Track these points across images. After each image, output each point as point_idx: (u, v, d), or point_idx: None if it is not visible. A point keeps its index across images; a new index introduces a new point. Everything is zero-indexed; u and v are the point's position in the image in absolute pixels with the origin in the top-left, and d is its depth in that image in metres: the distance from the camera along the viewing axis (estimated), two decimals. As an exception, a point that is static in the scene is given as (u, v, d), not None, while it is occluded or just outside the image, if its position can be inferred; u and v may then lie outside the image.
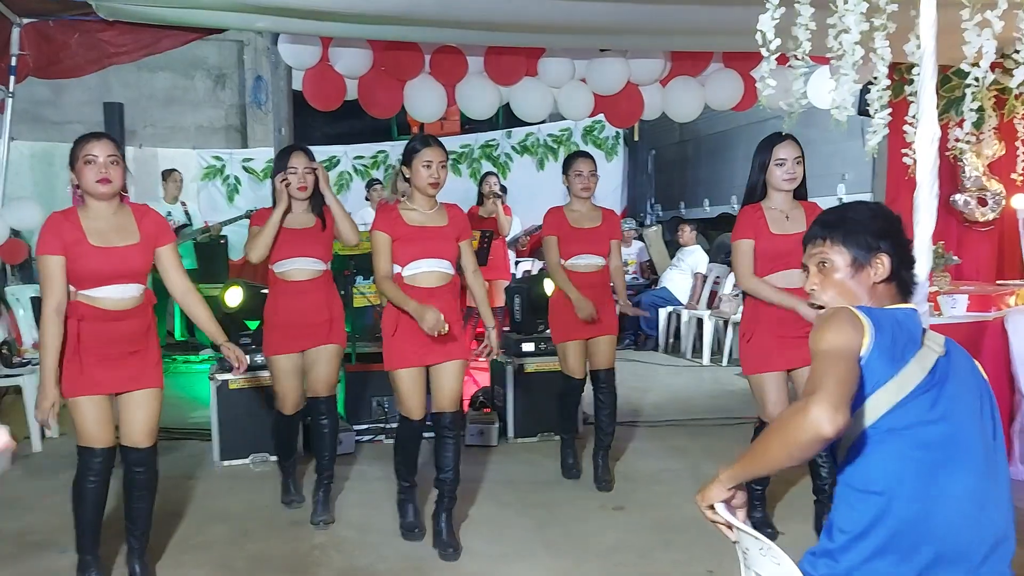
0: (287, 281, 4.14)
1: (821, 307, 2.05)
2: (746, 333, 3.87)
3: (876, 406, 1.85)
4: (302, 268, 4.14)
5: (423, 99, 6.00)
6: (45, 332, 3.20)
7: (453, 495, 3.88)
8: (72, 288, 3.24)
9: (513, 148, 11.48)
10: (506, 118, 9.95)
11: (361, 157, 11.22)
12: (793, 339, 3.57)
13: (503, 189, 8.43)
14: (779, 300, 3.67)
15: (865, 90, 3.04)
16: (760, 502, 3.98)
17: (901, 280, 2.03)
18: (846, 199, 7.78)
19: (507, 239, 8.23)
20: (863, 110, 2.96)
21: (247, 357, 3.63)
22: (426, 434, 4.03)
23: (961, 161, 5.80)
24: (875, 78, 2.92)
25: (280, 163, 4.19)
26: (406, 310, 3.70)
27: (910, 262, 2.06)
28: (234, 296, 5.25)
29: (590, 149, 11.48)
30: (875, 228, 2.02)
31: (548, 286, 5.72)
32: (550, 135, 11.46)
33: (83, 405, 3.26)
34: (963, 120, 3.49)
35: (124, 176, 3.32)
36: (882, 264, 2.00)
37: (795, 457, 1.78)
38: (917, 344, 1.90)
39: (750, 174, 3.87)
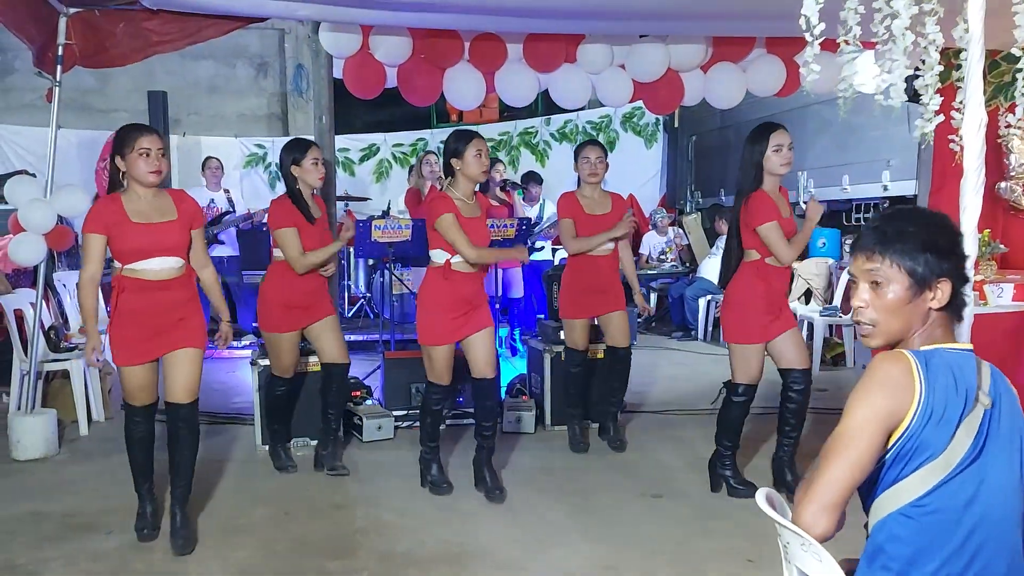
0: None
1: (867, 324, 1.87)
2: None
3: (913, 487, 1.73)
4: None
5: (462, 86, 6.00)
6: (82, 295, 3.67)
7: (492, 446, 4.38)
8: (118, 264, 3.65)
9: (552, 135, 11.46)
10: (545, 105, 9.95)
11: (400, 145, 11.28)
12: (775, 312, 4.13)
13: (513, 183, 8.37)
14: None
15: (912, 76, 2.98)
16: (730, 462, 4.34)
17: (956, 304, 1.86)
18: (891, 186, 7.66)
19: (537, 227, 8.22)
20: (913, 96, 2.91)
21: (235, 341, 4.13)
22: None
23: (1008, 148, 5.69)
24: (923, 62, 2.87)
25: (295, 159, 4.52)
26: (506, 256, 5.00)
27: (966, 282, 1.88)
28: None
29: (629, 136, 11.45)
30: (940, 248, 1.81)
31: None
32: (589, 122, 11.42)
33: (129, 372, 3.68)
34: (1014, 106, 3.42)
35: (168, 165, 3.78)
36: (943, 291, 1.82)
37: None
38: (970, 401, 1.73)
39: (745, 162, 4.13)
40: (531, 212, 8.25)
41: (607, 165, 5.03)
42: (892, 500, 1.77)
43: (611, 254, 5.02)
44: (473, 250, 4.11)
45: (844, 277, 7.64)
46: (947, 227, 1.88)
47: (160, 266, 3.64)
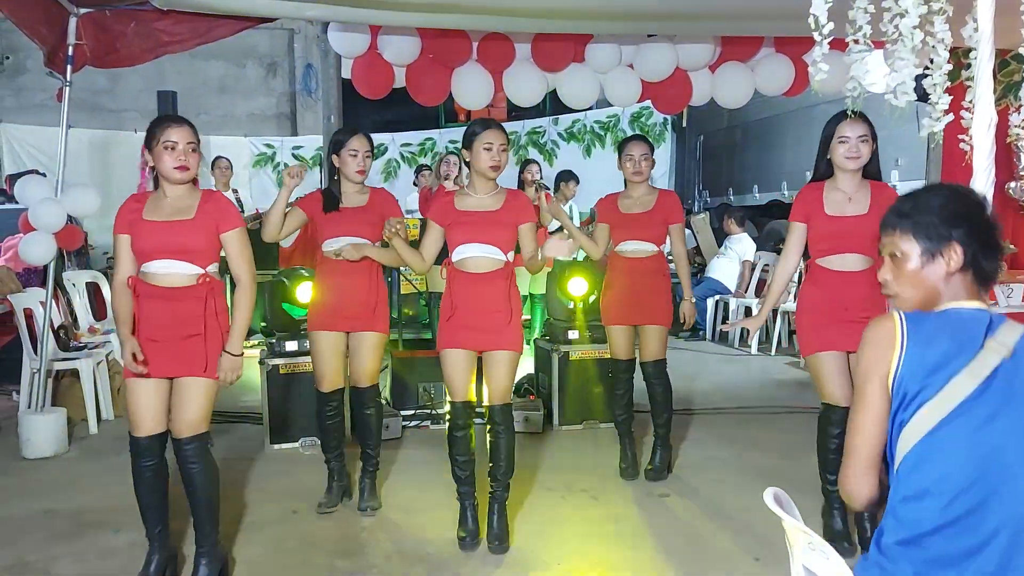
0: (334, 260, 4.06)
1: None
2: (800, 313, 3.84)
3: (918, 427, 1.81)
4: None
5: (470, 86, 6.01)
6: (115, 301, 3.34)
7: (505, 486, 3.80)
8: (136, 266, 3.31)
9: (560, 135, 11.47)
10: (553, 105, 9.95)
11: (408, 144, 11.31)
12: (850, 322, 3.48)
13: (543, 184, 8.34)
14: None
15: (920, 75, 2.98)
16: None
17: (980, 270, 1.92)
18: (900, 186, 7.64)
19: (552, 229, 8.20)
20: (922, 95, 2.90)
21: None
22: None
23: (1018, 148, 5.67)
24: (931, 61, 2.86)
25: (339, 143, 4.12)
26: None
27: (991, 250, 1.93)
28: (304, 293, 5.13)
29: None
30: (948, 215, 1.91)
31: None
32: (597, 122, 11.43)
33: (133, 388, 3.27)
34: (1021, 106, 3.41)
35: (199, 162, 3.32)
36: (956, 254, 1.90)
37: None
38: (975, 348, 1.81)
39: (817, 151, 3.76)
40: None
41: (653, 162, 4.61)
42: (904, 443, 1.85)
43: (652, 256, 4.54)
44: (419, 260, 3.82)
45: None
46: (960, 195, 1.97)
47: (168, 270, 3.22)
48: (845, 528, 3.70)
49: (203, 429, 3.30)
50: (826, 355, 3.64)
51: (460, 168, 5.46)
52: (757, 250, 9.21)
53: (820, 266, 3.70)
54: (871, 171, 3.68)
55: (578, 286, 5.79)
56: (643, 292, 4.48)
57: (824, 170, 3.70)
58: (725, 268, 9.22)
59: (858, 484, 1.90)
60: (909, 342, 1.84)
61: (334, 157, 4.09)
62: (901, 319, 1.88)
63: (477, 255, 3.71)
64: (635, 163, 4.49)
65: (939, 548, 1.77)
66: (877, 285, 2.09)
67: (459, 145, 4.05)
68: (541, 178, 8.33)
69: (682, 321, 4.68)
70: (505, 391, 3.76)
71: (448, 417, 3.94)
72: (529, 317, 7.75)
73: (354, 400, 4.28)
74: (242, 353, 3.33)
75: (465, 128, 3.89)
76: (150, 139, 3.24)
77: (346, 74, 5.98)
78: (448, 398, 3.93)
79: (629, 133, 11.35)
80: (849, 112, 3.25)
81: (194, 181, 3.35)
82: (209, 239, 3.27)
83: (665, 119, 11.42)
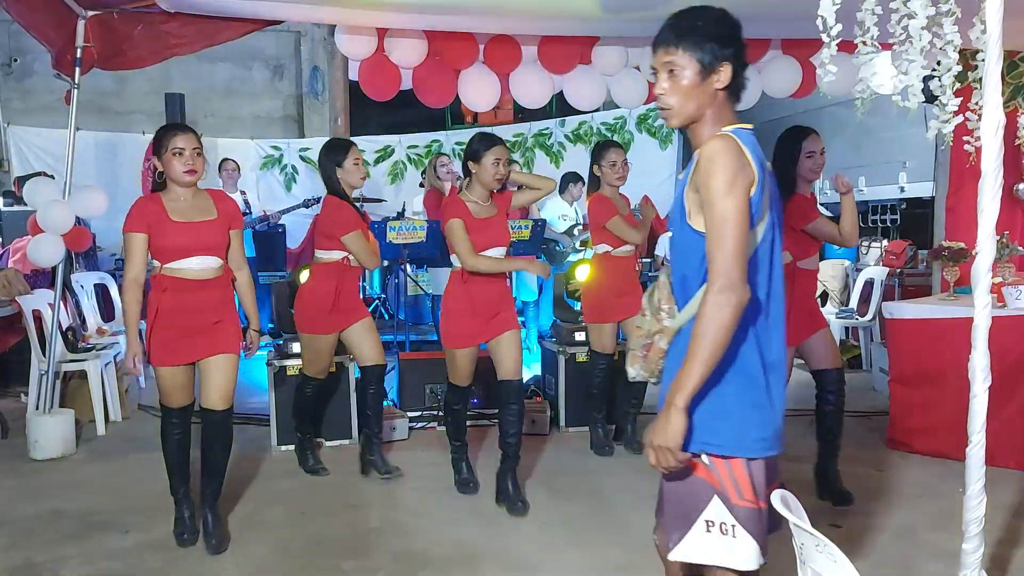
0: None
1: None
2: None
3: (756, 239, 2.06)
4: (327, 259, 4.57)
5: (477, 88, 6.01)
6: (125, 298, 3.65)
7: (516, 455, 4.23)
8: (157, 263, 3.64)
9: (567, 137, 11.45)
10: (560, 107, 9.93)
11: (415, 146, 11.29)
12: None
13: None
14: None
15: (928, 76, 2.97)
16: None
17: (736, 87, 2.15)
18: (907, 187, 7.63)
19: (563, 230, 8.18)
20: (930, 97, 2.89)
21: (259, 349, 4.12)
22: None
23: (1026, 149, 5.64)
24: (939, 63, 2.86)
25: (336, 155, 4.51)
26: (513, 268, 4.58)
27: (744, 67, 2.16)
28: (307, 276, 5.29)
29: (644, 137, 11.45)
30: (720, 35, 2.10)
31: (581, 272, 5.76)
32: (604, 123, 11.41)
33: (165, 372, 3.65)
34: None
35: (204, 164, 3.69)
36: (725, 73, 2.10)
37: (727, 342, 1.97)
38: (765, 169, 2.07)
39: (778, 167, 3.89)
40: (570, 211, 8.15)
41: (629, 166, 5.04)
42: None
43: (633, 255, 5.05)
44: (472, 259, 4.05)
45: (861, 280, 7.61)
46: (727, 19, 2.16)
47: (200, 265, 3.63)
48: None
49: (232, 400, 3.79)
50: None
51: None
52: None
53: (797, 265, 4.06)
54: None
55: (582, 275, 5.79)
56: (626, 288, 4.96)
57: (792, 183, 4.02)
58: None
59: (742, 287, 1.96)
60: (757, 166, 2.03)
61: (337, 170, 4.46)
62: (740, 142, 2.03)
63: (491, 256, 4.16)
64: (617, 168, 4.92)
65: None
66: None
67: (464, 147, 4.30)
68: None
69: None
70: (519, 367, 4.25)
71: (447, 399, 4.44)
72: (523, 320, 7.77)
73: (372, 380, 4.71)
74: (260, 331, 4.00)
75: (470, 141, 4.18)
76: (159, 147, 3.61)
77: (353, 76, 5.98)
78: (451, 381, 4.32)
79: (636, 135, 11.37)
80: (858, 114, 3.25)
81: None
82: (226, 235, 3.73)
83: (672, 121, 11.39)
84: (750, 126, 2.15)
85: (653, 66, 2.17)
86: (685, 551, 2.12)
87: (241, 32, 5.29)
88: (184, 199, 3.64)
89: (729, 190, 1.97)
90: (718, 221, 1.97)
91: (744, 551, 2.08)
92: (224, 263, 3.74)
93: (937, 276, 5.58)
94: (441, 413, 5.59)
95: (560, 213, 8.01)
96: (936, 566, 3.49)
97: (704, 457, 2.09)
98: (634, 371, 2.27)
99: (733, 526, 2.07)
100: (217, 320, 3.69)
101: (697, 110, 2.12)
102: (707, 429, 2.07)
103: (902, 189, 7.69)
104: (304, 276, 5.33)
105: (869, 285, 7.55)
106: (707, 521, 2.08)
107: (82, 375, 5.75)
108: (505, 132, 11.17)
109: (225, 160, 8.86)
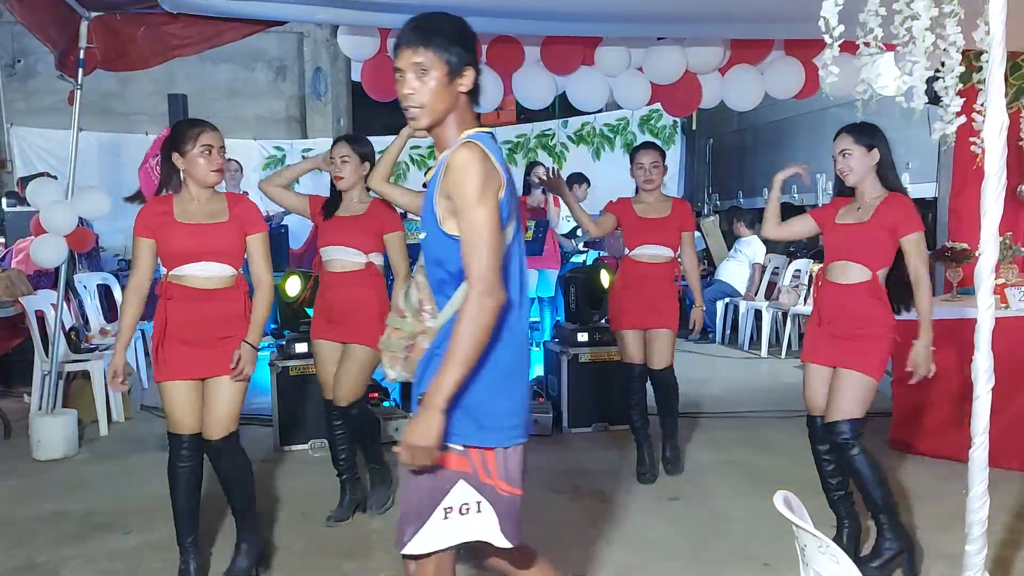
0: (327, 271, 4.10)
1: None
2: None
3: (507, 239, 2.14)
4: (341, 259, 4.05)
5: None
6: (122, 306, 3.40)
7: None
8: (164, 270, 3.30)
9: (569, 137, 11.46)
10: (562, 107, 9.94)
11: (418, 147, 11.28)
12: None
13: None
14: None
15: (932, 78, 2.97)
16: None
17: (475, 91, 2.22)
18: (911, 188, 7.60)
19: (565, 231, 8.19)
20: (933, 98, 2.89)
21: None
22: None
23: (1029, 150, 5.64)
24: (943, 64, 2.85)
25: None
26: None
27: (479, 73, 2.23)
28: (293, 286, 5.34)
29: (646, 138, 11.43)
30: (464, 40, 2.18)
31: (604, 276, 5.73)
32: (606, 124, 11.42)
33: (169, 390, 3.26)
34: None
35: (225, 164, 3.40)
36: (469, 76, 2.18)
37: (486, 342, 2.05)
38: (506, 171, 2.15)
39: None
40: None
41: (665, 169, 4.66)
42: None
43: (668, 262, 4.61)
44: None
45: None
46: (467, 27, 2.23)
47: (206, 272, 3.24)
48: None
49: (233, 428, 3.33)
50: (811, 365, 3.67)
51: None
52: (767, 252, 9.19)
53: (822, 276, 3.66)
54: (889, 179, 3.72)
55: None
56: (655, 296, 4.54)
57: (838, 184, 3.73)
58: (735, 271, 9.20)
59: (500, 289, 2.05)
60: (503, 171, 2.13)
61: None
62: (486, 149, 2.09)
63: None
64: (646, 171, 4.57)
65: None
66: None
67: None
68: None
69: (691, 327, 4.77)
70: None
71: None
72: (539, 319, 7.75)
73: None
74: (259, 348, 3.36)
75: None
76: (181, 142, 3.23)
77: (355, 77, 5.99)
78: None
79: (639, 136, 11.35)
80: (860, 115, 3.25)
81: None
82: (241, 241, 3.32)
83: (675, 122, 11.40)
84: (489, 129, 2.24)
85: (399, 67, 2.22)
86: (420, 544, 2.17)
87: (244, 33, 5.30)
88: (198, 201, 3.29)
89: (481, 197, 2.05)
90: (473, 228, 2.05)
91: (490, 524, 2.16)
92: (237, 273, 3.31)
93: (940, 277, 5.56)
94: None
95: (563, 215, 8.00)
96: (939, 568, 3.49)
97: (458, 446, 2.14)
98: (395, 373, 2.32)
99: (479, 502, 2.15)
100: (225, 336, 3.25)
101: (444, 111, 2.18)
102: (460, 421, 2.12)
103: (905, 190, 7.67)
104: (290, 284, 5.35)
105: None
106: (445, 509, 2.14)
107: (85, 375, 5.75)
108: (507, 133, 11.18)
109: (228, 161, 8.84)
